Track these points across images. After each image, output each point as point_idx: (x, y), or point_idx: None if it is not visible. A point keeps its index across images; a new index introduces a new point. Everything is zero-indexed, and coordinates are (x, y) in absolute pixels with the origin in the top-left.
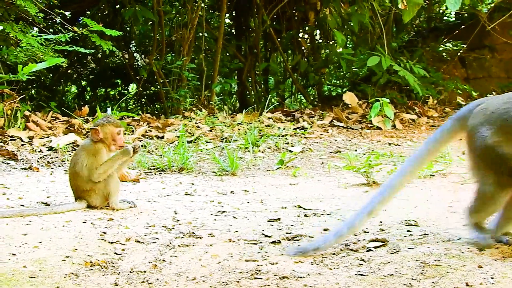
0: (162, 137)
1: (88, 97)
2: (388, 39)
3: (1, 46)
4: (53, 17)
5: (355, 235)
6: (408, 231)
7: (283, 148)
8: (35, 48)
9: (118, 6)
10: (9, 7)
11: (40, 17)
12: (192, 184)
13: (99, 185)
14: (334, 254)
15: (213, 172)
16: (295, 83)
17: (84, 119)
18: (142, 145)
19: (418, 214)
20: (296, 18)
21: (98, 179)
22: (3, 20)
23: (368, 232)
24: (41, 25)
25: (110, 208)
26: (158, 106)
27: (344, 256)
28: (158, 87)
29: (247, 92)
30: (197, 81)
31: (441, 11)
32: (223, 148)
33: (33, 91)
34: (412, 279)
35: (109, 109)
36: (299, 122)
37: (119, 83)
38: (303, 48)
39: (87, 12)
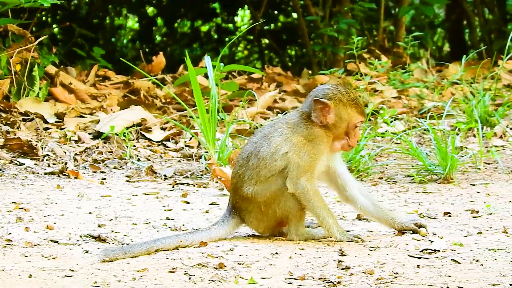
0: None
1: (158, 37)
2: None
3: None
4: None
5: None
6: None
7: None
8: None
9: None
10: None
11: None
12: None
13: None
14: None
15: (409, 176)
16: None
17: (158, 79)
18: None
19: None
20: None
21: (303, 192)
22: None
23: None
24: None
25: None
26: (293, 53)
27: None
28: (292, 16)
29: (465, 23)
30: (370, 2)
31: None
32: (425, 131)
33: (56, 30)
34: None
35: (207, 58)
36: None
37: (218, 10)
38: None
39: None
